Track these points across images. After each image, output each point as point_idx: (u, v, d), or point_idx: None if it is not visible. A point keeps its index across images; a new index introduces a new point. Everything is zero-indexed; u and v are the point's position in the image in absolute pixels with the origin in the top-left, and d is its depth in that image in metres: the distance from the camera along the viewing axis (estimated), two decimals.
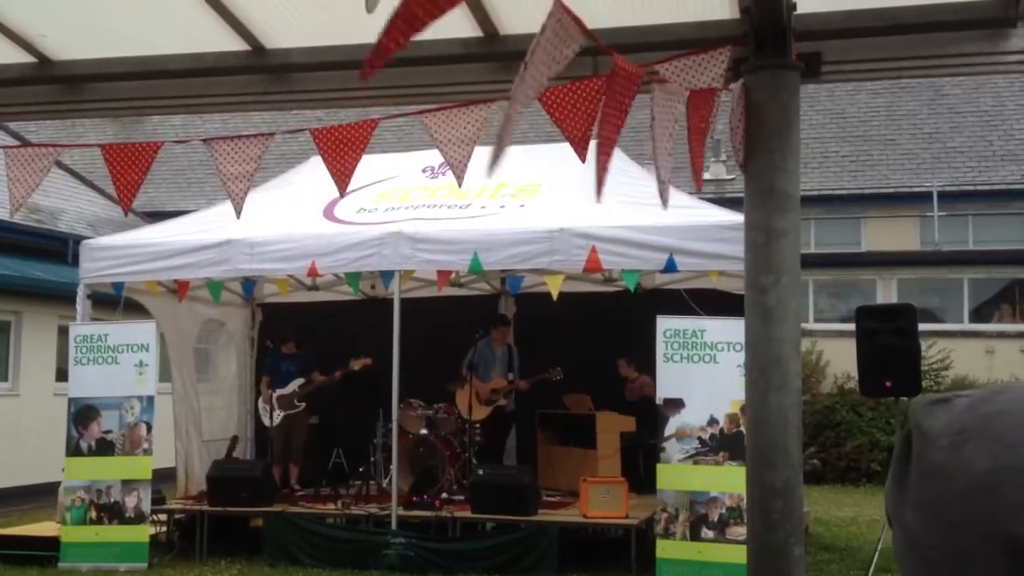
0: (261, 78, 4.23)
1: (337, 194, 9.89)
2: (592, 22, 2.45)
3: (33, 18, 4.06)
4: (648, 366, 9.98)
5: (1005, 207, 19.22)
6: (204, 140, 3.85)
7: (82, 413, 9.64)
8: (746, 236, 3.57)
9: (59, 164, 18.25)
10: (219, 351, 12.73)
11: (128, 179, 3.84)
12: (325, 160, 3.70)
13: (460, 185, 3.75)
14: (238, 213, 4.07)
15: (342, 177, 3.67)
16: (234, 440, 11.70)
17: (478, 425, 10.44)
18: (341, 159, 3.64)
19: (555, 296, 9.06)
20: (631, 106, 2.93)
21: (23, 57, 4.28)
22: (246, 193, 3.95)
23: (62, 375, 12.24)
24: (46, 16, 4.06)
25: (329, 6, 3.91)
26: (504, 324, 11.12)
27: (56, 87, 4.38)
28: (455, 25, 3.89)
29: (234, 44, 4.10)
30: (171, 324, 11.02)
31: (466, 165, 3.63)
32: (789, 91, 3.49)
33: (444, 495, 9.82)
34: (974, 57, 3.70)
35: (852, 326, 10.16)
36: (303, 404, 10.98)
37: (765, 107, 3.47)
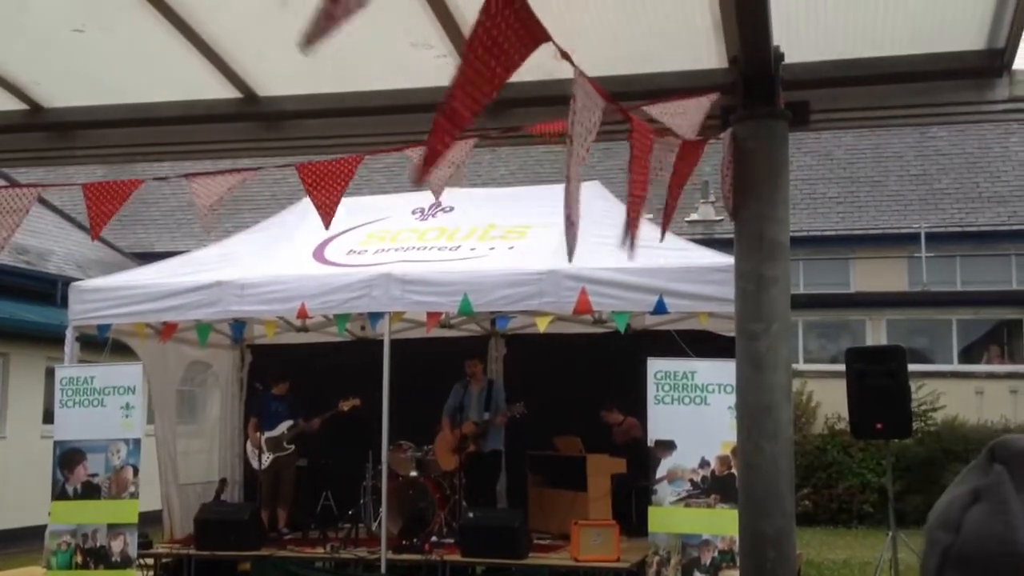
0: (253, 125, 4.24)
1: (327, 236, 9.93)
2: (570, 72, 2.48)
3: (26, 66, 4.08)
4: (633, 407, 9.97)
5: (992, 248, 19.35)
6: (186, 176, 3.86)
7: (67, 456, 9.55)
8: (736, 284, 3.58)
9: (48, 205, 18.25)
10: (205, 393, 12.66)
11: (102, 209, 3.82)
12: (309, 192, 3.71)
13: (437, 199, 3.78)
14: (206, 231, 4.07)
15: (326, 209, 3.68)
16: (222, 483, 11.61)
17: (459, 477, 10.37)
18: (325, 192, 3.65)
19: (542, 329, 9.06)
20: (650, 160, 2.98)
21: (15, 104, 4.29)
22: (215, 204, 3.94)
23: (49, 417, 12.15)
24: (39, 64, 4.08)
25: (322, 54, 3.93)
26: (470, 359, 11.06)
27: (48, 134, 4.39)
28: (444, 73, 3.92)
29: (226, 92, 4.12)
30: (156, 366, 10.94)
31: (443, 183, 3.64)
32: (778, 140, 3.52)
33: (434, 538, 9.74)
34: (961, 106, 3.74)
35: (842, 367, 10.19)
36: (292, 447, 10.92)
37: (754, 156, 3.49)
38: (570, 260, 2.55)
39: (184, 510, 10.94)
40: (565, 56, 2.38)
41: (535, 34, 2.06)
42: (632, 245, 2.98)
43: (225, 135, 4.28)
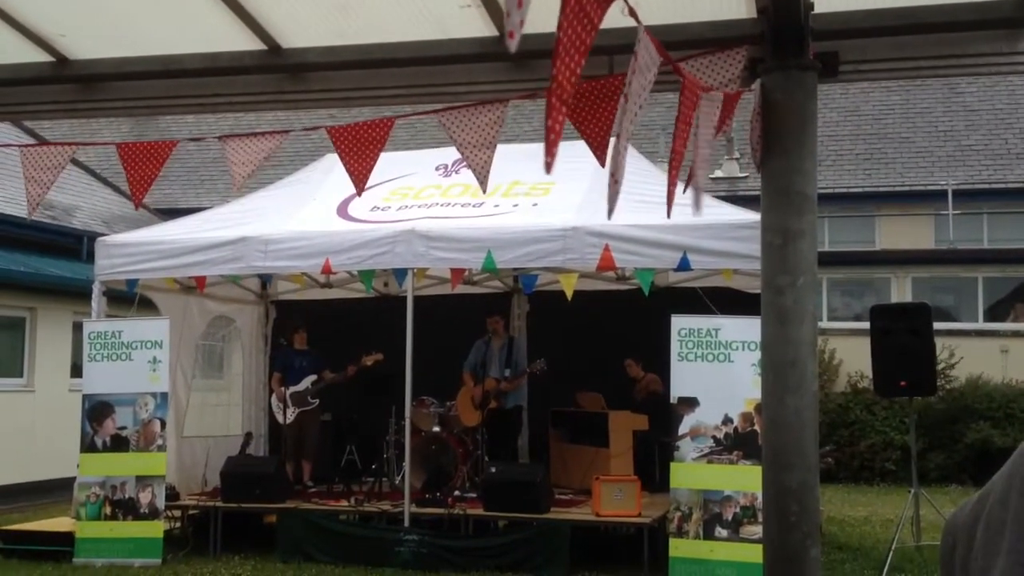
0: (277, 77, 4.23)
1: (351, 192, 9.93)
2: (607, 22, 2.46)
3: (52, 18, 4.08)
4: (654, 363, 9.98)
5: (1020, 206, 19.12)
6: (219, 137, 3.86)
7: (96, 409, 9.68)
8: (763, 237, 3.55)
9: (74, 161, 18.31)
10: (227, 348, 12.72)
11: (141, 174, 3.85)
12: (343, 159, 3.70)
13: (485, 190, 3.75)
14: (236, 187, 4.10)
15: (360, 177, 3.67)
16: (248, 437, 11.74)
17: (481, 432, 10.41)
18: (359, 158, 3.64)
19: (569, 296, 9.04)
20: (693, 116, 2.97)
21: (41, 56, 4.29)
22: (250, 174, 3.96)
23: (77, 371, 12.28)
24: (64, 16, 4.08)
25: (345, 6, 3.91)
26: (491, 315, 11.06)
27: (73, 86, 4.39)
28: (470, 24, 3.89)
29: (250, 43, 4.11)
30: (177, 320, 10.93)
31: (488, 169, 3.62)
32: (806, 92, 3.48)
33: (456, 493, 9.83)
34: (991, 57, 3.68)
35: (866, 324, 10.15)
36: (316, 401, 11.01)
37: (782, 108, 3.46)
38: (609, 217, 2.56)
39: (191, 461, 11.01)
40: (632, 13, 2.37)
41: None
42: (670, 205, 2.99)
43: (249, 87, 4.27)
